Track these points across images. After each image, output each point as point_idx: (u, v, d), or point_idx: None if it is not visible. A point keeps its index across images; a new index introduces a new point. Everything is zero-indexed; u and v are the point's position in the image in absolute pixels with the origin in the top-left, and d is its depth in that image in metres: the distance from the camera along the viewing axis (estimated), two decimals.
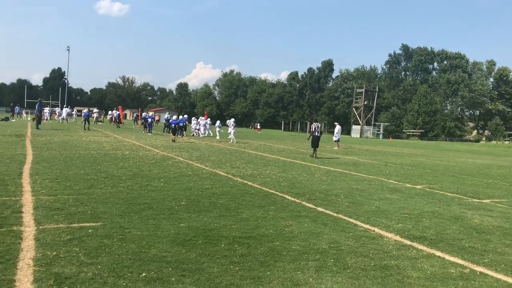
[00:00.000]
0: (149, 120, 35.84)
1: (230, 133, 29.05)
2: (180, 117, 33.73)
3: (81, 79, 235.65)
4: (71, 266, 4.13)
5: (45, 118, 44.87)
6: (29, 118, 44.85)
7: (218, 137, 31.83)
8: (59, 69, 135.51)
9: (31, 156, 13.00)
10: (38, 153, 13.83)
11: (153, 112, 48.71)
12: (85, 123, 34.65)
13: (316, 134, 19.06)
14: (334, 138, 28.71)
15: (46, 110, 46.83)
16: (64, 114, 49.22)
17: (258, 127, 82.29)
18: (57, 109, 49.92)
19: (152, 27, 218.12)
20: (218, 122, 34.47)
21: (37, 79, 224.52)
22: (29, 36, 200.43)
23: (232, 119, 30.47)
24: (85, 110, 38.19)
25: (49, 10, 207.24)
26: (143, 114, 42.43)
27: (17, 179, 8.81)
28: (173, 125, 27.02)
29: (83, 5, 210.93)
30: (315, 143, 19.02)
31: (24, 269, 4.00)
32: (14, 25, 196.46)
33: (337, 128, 29.06)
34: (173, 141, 24.74)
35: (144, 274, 4.05)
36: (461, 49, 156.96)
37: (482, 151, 43.19)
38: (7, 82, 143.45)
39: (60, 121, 47.40)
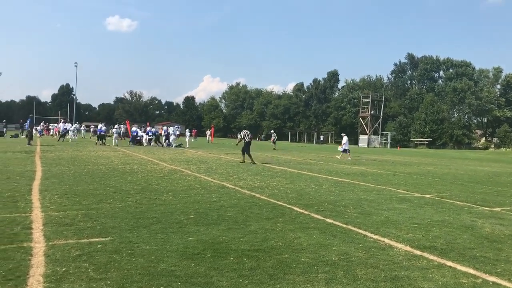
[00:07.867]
0: (134, 134, 36.50)
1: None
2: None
3: (89, 94, 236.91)
4: (80, 282, 4.14)
5: (52, 133, 44.59)
6: (38, 135, 44.82)
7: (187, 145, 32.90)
8: (67, 85, 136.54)
9: (40, 172, 13.10)
10: (47, 169, 13.93)
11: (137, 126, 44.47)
12: (101, 139, 33.77)
13: (246, 139, 20.44)
14: (340, 149, 28.98)
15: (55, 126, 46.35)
16: (71, 131, 43.99)
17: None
18: (62, 125, 46.11)
19: (160, 42, 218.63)
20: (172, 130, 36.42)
21: (46, 96, 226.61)
22: (38, 53, 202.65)
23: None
24: (99, 126, 36.65)
25: (59, 26, 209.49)
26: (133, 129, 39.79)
27: (27, 195, 8.88)
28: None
29: (92, 21, 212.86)
30: (245, 148, 20.38)
31: (34, 286, 4.02)
32: (23, 41, 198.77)
33: (344, 139, 29.34)
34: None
35: None
36: (466, 57, 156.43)
37: (491, 158, 42.83)
38: (17, 99, 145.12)
39: (71, 138, 42.19)
